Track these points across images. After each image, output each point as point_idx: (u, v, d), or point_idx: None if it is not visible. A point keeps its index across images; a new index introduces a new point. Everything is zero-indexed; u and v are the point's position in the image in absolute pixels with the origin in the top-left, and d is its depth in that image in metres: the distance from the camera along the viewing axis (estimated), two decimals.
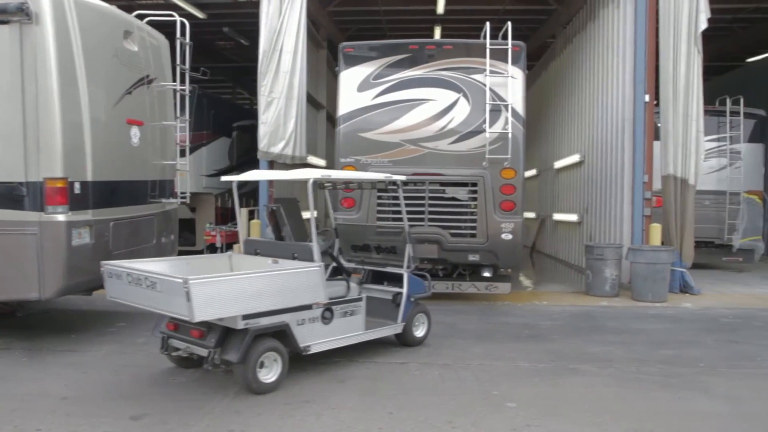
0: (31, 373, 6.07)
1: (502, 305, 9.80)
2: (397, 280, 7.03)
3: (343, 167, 9.52)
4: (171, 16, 8.89)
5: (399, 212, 9.30)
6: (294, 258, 6.17)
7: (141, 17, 8.44)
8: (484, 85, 9.32)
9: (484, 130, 9.23)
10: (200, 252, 13.10)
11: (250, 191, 13.81)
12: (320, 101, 16.58)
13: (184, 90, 9.01)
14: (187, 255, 7.85)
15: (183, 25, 9.05)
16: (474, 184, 9.31)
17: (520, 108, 9.41)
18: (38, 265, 6.44)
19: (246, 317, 5.34)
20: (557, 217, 16.06)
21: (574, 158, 14.42)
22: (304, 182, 6.33)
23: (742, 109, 14.00)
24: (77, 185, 6.70)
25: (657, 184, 11.32)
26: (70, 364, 6.38)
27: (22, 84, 6.42)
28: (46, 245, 6.48)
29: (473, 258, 9.36)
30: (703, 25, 10.87)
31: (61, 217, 6.53)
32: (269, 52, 11.39)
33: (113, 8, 7.70)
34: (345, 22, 19.51)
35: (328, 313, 6.05)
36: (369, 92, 9.61)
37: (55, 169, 6.50)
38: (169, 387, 5.69)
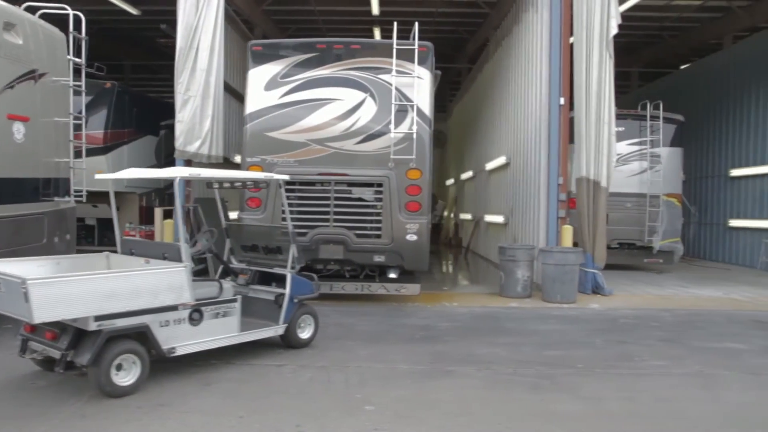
0: None
1: (411, 306, 9.78)
2: (283, 281, 6.94)
3: (248, 167, 9.40)
4: (64, 9, 8.60)
5: (305, 212, 9.31)
6: (164, 258, 6.04)
7: (33, 10, 8.20)
8: (391, 85, 9.29)
9: (390, 131, 9.20)
10: None
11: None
12: None
13: (79, 86, 8.75)
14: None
15: (77, 19, 8.78)
16: (379, 185, 9.28)
17: (426, 109, 9.41)
18: None
19: (99, 318, 5.19)
20: (488, 218, 16.15)
21: (501, 160, 14.53)
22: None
23: (661, 113, 14.27)
24: None
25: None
26: None
27: None
28: None
29: (379, 259, 9.32)
30: (614, 30, 11.01)
31: None
32: (185, 49, 11.18)
33: None
34: (284, 21, 19.38)
35: (196, 315, 5.92)
36: (276, 91, 9.51)
37: None
38: (25, 391, 5.50)
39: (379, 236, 9.25)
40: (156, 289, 5.49)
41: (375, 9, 17.16)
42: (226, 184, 7.70)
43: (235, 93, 13.08)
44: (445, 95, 28.15)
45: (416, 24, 9.61)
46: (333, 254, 9.28)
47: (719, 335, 8.19)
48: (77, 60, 8.79)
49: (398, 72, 9.35)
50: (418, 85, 9.38)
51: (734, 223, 16.52)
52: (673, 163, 14.59)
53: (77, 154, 8.99)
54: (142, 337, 5.50)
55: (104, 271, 5.42)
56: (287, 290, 6.80)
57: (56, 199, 8.32)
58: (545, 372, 6.30)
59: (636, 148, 14.39)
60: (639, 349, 7.33)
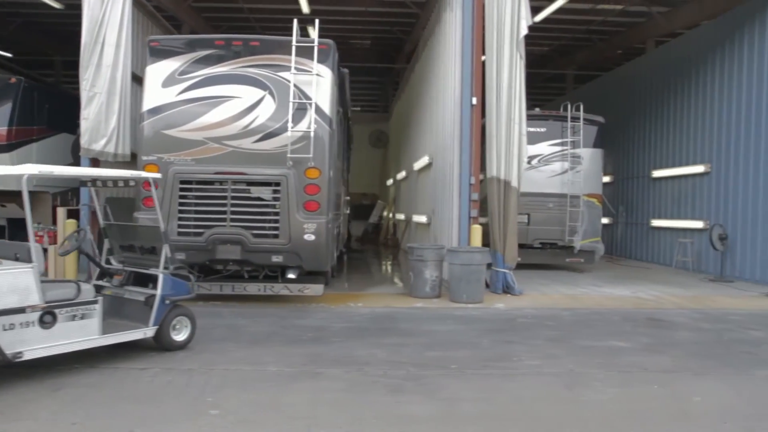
0: None
1: (314, 307, 9.66)
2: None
3: (144, 166, 9.17)
4: None
5: (202, 212, 9.12)
6: (16, 258, 5.81)
7: None
8: (290, 83, 9.16)
9: (288, 129, 9.07)
10: None
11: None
12: None
13: None
14: None
15: None
16: (277, 184, 9.14)
17: (327, 107, 9.30)
18: None
19: None
20: (415, 218, 16.14)
21: (425, 160, 14.53)
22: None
23: (581, 115, 14.42)
24: None
25: None
26: None
27: None
28: None
29: (277, 259, 9.18)
30: (524, 30, 11.06)
31: None
32: (91, 44, 10.89)
33: None
34: (215, 19, 19.09)
35: (48, 317, 5.70)
36: (174, 88, 9.30)
37: None
38: None
39: (276, 236, 9.11)
40: None
41: (305, 7, 17.00)
42: (110, 183, 7.46)
43: None
44: (388, 96, 28.17)
45: (317, 21, 9.52)
46: (230, 254, 9.11)
47: (608, 334, 8.25)
48: None
49: (298, 70, 9.23)
50: (319, 83, 9.27)
51: (656, 223, 16.82)
52: (594, 163, 14.77)
53: None
54: None
55: None
56: (158, 291, 6.62)
57: None
58: (415, 373, 6.24)
59: (558, 148, 14.52)
60: (522, 348, 7.33)
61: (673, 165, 16.05)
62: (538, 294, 11.37)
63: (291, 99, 9.08)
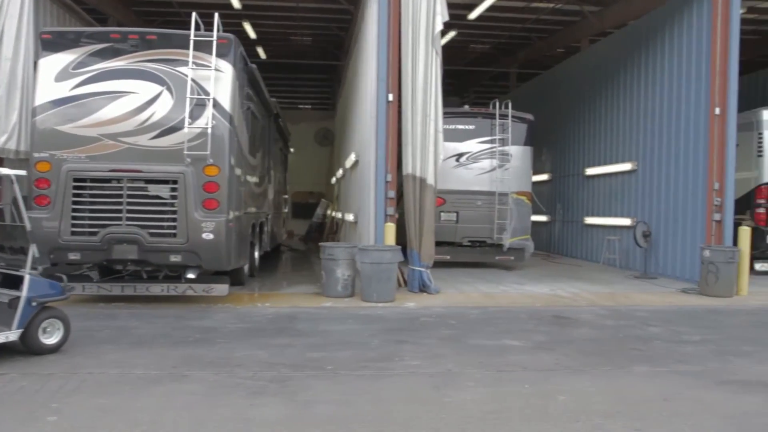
0: None
1: (218, 308, 9.44)
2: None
3: (36, 163, 8.84)
4: None
5: (96, 211, 8.83)
6: None
7: None
8: (188, 78, 8.91)
9: (185, 126, 8.83)
10: None
11: None
12: None
13: None
14: None
15: None
16: (174, 182, 8.88)
17: (227, 103, 9.07)
18: None
19: None
20: (346, 216, 16.00)
21: (353, 158, 14.39)
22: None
23: (510, 112, 14.39)
24: None
25: None
26: None
27: None
28: None
29: (175, 259, 8.93)
30: (439, 26, 10.96)
31: None
32: None
33: None
34: (148, 13, 18.68)
35: None
36: (67, 82, 8.97)
37: None
38: None
39: (174, 235, 8.85)
40: None
41: (236, 3, 16.72)
42: None
43: None
44: (335, 93, 27.96)
45: (216, 15, 9.25)
46: (126, 254, 8.83)
47: (506, 332, 8.17)
48: None
49: (196, 65, 8.98)
50: (218, 78, 9.03)
51: (589, 220, 16.92)
52: (523, 161, 14.76)
53: None
54: None
55: None
56: (24, 293, 6.34)
57: None
58: (286, 375, 6.06)
59: (486, 146, 14.47)
60: (410, 348, 7.21)
61: (605, 163, 16.15)
62: (456, 292, 11.29)
63: (188, 95, 8.84)
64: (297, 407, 5.22)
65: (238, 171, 9.60)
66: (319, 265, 10.79)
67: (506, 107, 14.46)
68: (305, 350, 7.04)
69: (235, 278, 11.10)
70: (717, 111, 12.00)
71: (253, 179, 11.41)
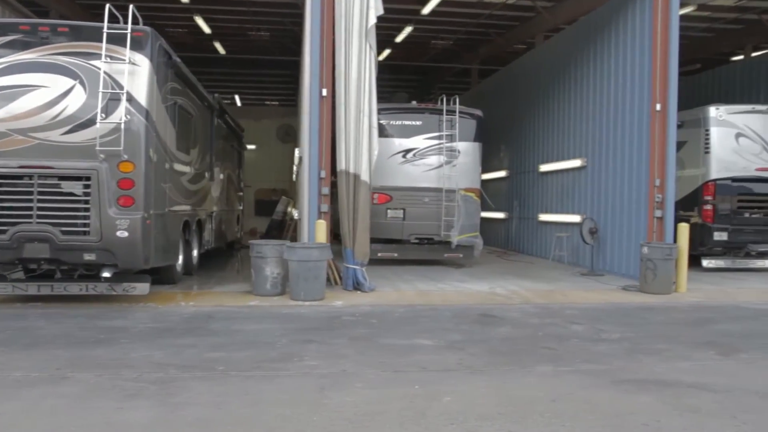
0: None
1: (139, 307, 9.20)
2: None
3: None
4: None
5: (5, 208, 8.56)
6: None
7: None
8: (102, 72, 8.66)
9: (97, 121, 8.58)
10: None
11: None
12: None
13: None
14: None
15: None
16: (87, 178, 8.63)
17: (143, 98, 8.82)
18: None
19: None
20: (295, 214, 15.79)
21: (297, 154, 14.18)
22: None
23: (457, 108, 14.23)
24: None
25: None
26: None
27: None
28: None
29: (89, 257, 8.68)
30: (373, 20, 10.79)
31: None
32: None
33: None
34: (95, 6, 18.21)
35: None
36: None
37: None
38: None
39: (87, 233, 8.61)
40: None
41: None
42: None
43: None
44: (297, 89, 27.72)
45: (132, 6, 8.97)
46: (38, 253, 8.57)
47: (423, 331, 8.01)
48: None
49: (111, 58, 8.72)
50: (134, 72, 8.78)
51: (542, 217, 16.82)
52: (471, 157, 14.60)
53: None
54: None
55: None
56: None
57: None
58: (173, 376, 5.86)
59: (434, 142, 14.30)
60: (315, 348, 7.02)
61: (557, 159, 16.05)
62: (392, 290, 11.11)
63: (101, 89, 8.57)
64: (167, 410, 5.01)
65: (159, 167, 9.36)
66: None
67: (454, 103, 14.30)
68: (206, 350, 6.84)
69: (166, 277, 10.91)
70: (658, 107, 11.93)
71: (185, 176, 11.15)
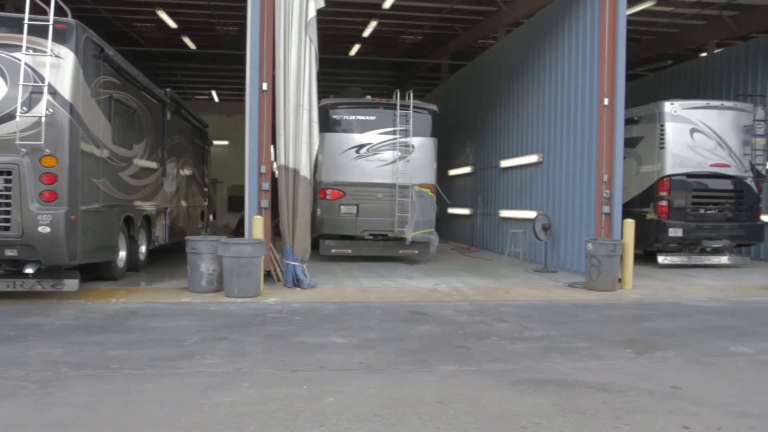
0: None
1: (68, 304, 9.09)
2: None
3: None
4: None
5: None
6: None
7: None
8: (23, 64, 8.51)
9: (17, 114, 8.44)
10: None
11: None
12: None
13: None
14: None
15: None
16: (8, 173, 8.49)
17: (66, 92, 8.68)
18: None
19: None
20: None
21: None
22: None
23: (411, 102, 14.10)
24: None
25: None
26: None
27: None
28: None
29: (11, 253, 8.56)
30: (312, 12, 10.66)
31: None
32: None
33: None
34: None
35: None
36: None
37: None
38: None
39: (7, 228, 8.48)
40: None
41: None
42: None
43: None
44: None
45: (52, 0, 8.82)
46: None
47: (342, 329, 7.89)
48: None
49: (34, 50, 8.58)
50: (57, 65, 8.64)
51: (503, 213, 16.73)
52: (426, 153, 14.47)
53: None
54: None
55: None
56: None
57: None
58: (59, 375, 5.74)
59: (388, 137, 14.18)
60: (223, 346, 6.91)
61: (517, 155, 15.96)
62: (333, 287, 11.01)
63: (21, 81, 8.44)
64: (36, 410, 4.90)
65: (88, 162, 9.23)
66: None
67: (409, 98, 14.17)
68: (110, 348, 6.73)
69: (105, 273, 10.82)
70: (606, 102, 11.83)
71: (126, 170, 11.01)
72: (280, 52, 10.65)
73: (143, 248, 12.54)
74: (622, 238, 11.51)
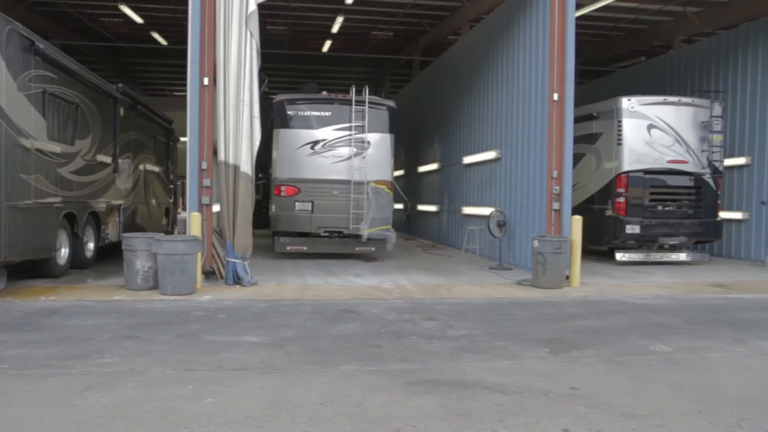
0: None
1: None
2: None
3: None
4: None
5: None
6: None
7: None
8: None
9: None
10: None
11: None
12: None
13: None
14: None
15: None
16: None
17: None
18: None
19: None
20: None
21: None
22: None
23: (366, 98, 13.95)
24: None
25: None
26: None
27: None
28: None
29: None
30: (252, 6, 10.49)
31: None
32: None
33: None
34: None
35: None
36: None
37: None
38: None
39: None
40: None
41: None
42: None
43: None
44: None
45: None
46: None
47: (261, 327, 7.77)
48: None
49: None
50: None
51: (465, 210, 16.61)
52: (383, 149, 14.30)
53: None
54: None
55: None
56: None
57: None
58: None
59: (344, 133, 14.03)
60: (129, 345, 6.78)
61: (477, 151, 15.83)
62: (274, 285, 10.88)
63: None
64: None
65: (15, 158, 9.08)
66: None
67: (365, 93, 14.02)
68: (11, 347, 6.60)
69: (45, 270, 10.69)
70: (555, 97, 11.69)
71: (65, 166, 10.87)
72: (220, 47, 10.51)
73: (91, 245, 12.40)
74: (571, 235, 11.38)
